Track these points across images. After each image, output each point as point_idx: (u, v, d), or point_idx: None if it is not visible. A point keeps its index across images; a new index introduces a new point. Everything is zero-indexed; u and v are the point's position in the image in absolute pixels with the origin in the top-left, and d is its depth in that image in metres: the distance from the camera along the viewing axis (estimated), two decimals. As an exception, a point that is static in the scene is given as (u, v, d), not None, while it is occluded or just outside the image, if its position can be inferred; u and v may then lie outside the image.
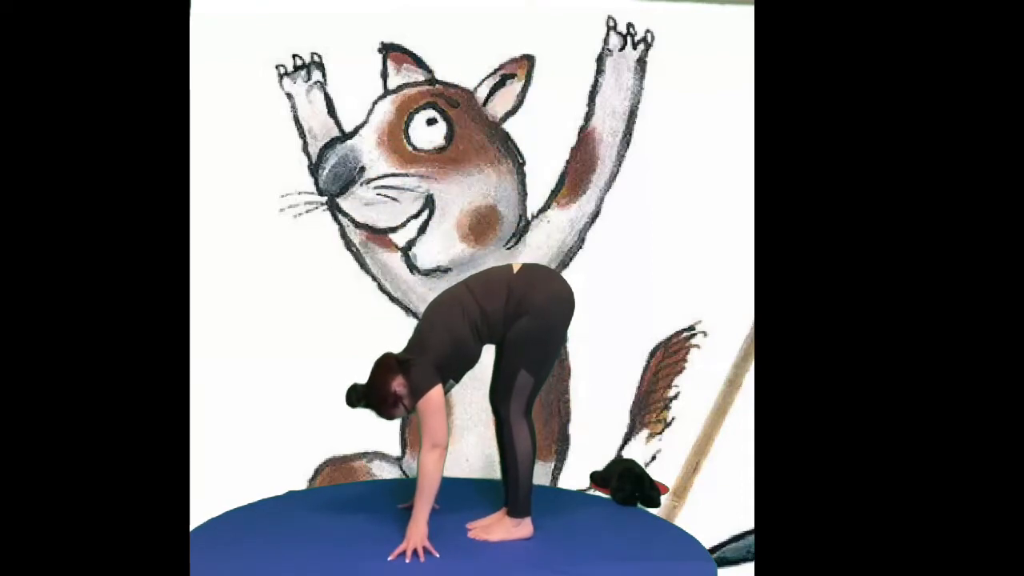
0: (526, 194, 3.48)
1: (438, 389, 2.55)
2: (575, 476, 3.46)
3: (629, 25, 3.42)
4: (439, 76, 3.41)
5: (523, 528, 2.64)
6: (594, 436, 3.53)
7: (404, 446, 3.51)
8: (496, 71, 3.41)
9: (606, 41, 3.43)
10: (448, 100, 3.40)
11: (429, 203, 3.44)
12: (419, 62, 3.40)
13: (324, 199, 3.39)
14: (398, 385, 2.56)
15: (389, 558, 2.48)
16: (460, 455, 3.48)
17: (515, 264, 2.73)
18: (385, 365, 2.58)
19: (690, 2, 3.39)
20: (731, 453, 3.42)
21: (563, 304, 2.66)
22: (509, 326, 2.61)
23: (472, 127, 3.42)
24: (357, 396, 2.61)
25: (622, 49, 3.43)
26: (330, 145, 3.39)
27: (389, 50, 3.39)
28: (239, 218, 3.32)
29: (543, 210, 3.49)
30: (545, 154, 3.45)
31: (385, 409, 2.60)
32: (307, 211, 3.39)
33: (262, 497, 2.96)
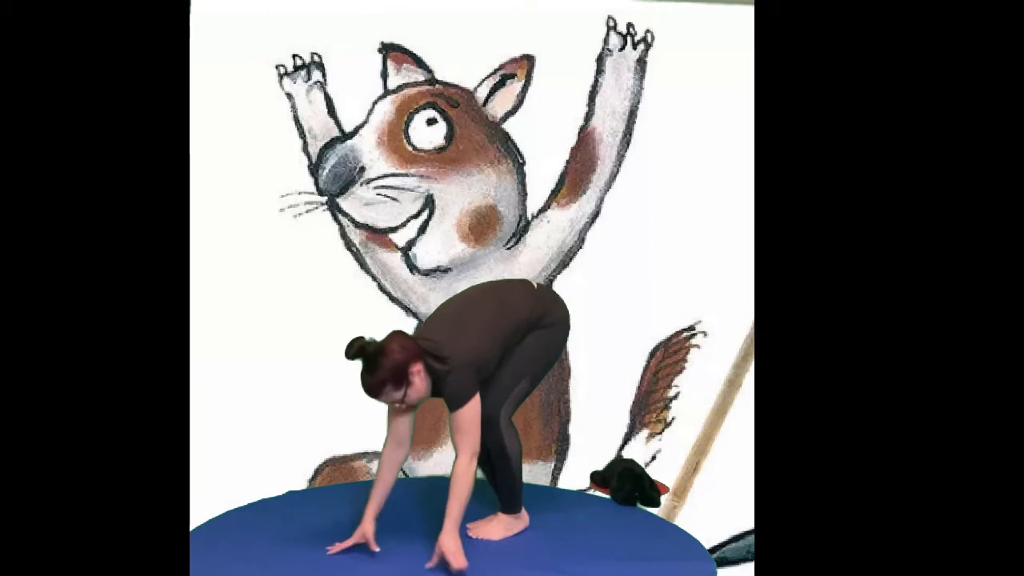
0: (526, 194, 3.48)
1: (477, 398, 2.48)
2: (575, 476, 3.46)
3: (629, 25, 3.42)
4: (439, 76, 3.41)
5: (521, 521, 2.66)
6: (594, 436, 3.53)
7: (404, 446, 3.51)
8: (496, 71, 3.41)
9: (606, 41, 3.43)
10: (448, 100, 3.40)
11: (429, 203, 3.44)
12: (419, 62, 3.40)
13: (324, 199, 3.39)
14: (416, 372, 2.43)
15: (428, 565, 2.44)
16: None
17: (532, 281, 2.80)
18: (410, 347, 2.44)
19: (690, 2, 3.39)
20: (731, 453, 3.42)
21: (569, 322, 2.75)
22: (520, 338, 2.61)
23: (472, 127, 3.42)
24: (361, 352, 2.41)
25: (622, 49, 3.43)
26: (330, 145, 3.39)
27: (389, 50, 3.39)
28: (239, 218, 3.32)
29: (543, 210, 3.49)
30: (545, 154, 3.45)
31: (387, 385, 2.41)
32: (307, 211, 3.39)
33: (262, 497, 2.96)
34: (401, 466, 2.59)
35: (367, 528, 2.50)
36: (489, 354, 2.55)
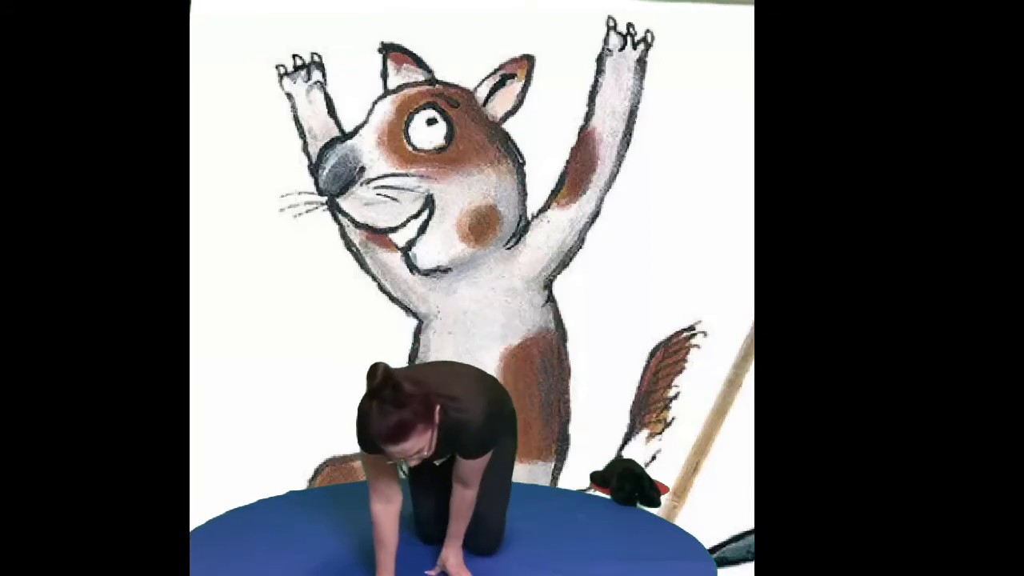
0: (526, 194, 3.48)
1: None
2: (575, 476, 3.46)
3: (629, 25, 3.42)
4: (439, 76, 3.41)
5: None
6: (594, 436, 3.53)
7: (404, 446, 3.51)
8: (496, 71, 3.41)
9: (606, 41, 3.43)
10: (448, 100, 3.40)
11: (429, 203, 3.44)
12: (419, 62, 3.40)
13: (324, 199, 3.39)
14: (438, 414, 2.17)
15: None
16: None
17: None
18: (423, 385, 2.17)
19: (690, 2, 3.39)
20: (731, 453, 3.42)
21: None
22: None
23: (472, 127, 3.42)
24: (386, 381, 2.07)
25: (622, 49, 3.43)
26: (330, 145, 3.39)
27: (389, 50, 3.39)
28: (239, 218, 3.32)
29: (543, 210, 3.49)
30: (545, 154, 3.45)
31: (417, 425, 2.09)
32: (307, 211, 3.39)
33: (262, 497, 2.96)
34: (398, 520, 2.32)
35: None
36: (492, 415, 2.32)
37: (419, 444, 2.08)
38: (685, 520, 3.28)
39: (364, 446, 2.21)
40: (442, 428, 2.15)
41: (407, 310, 3.46)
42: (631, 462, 3.27)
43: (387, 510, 2.26)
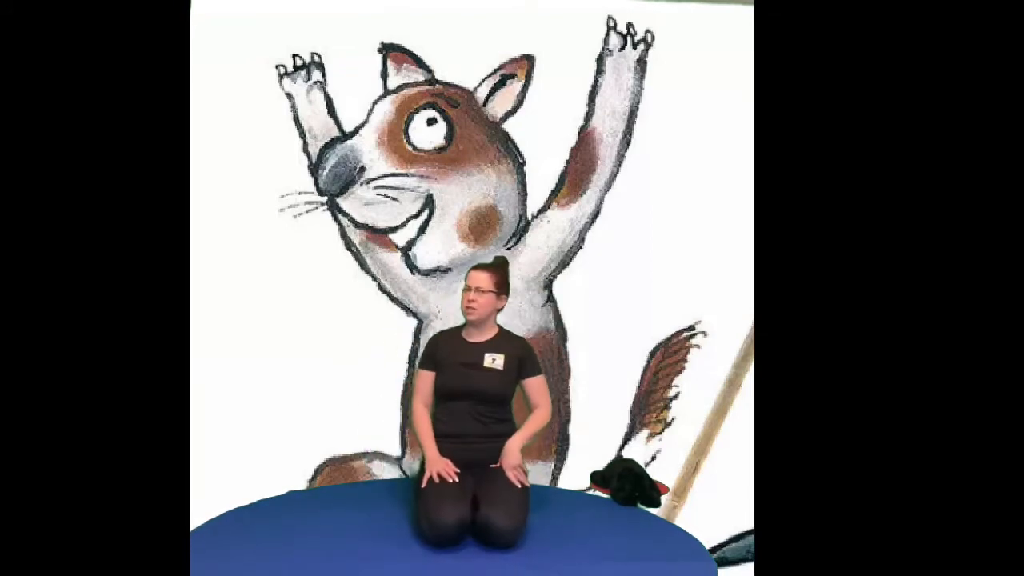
0: (526, 194, 3.48)
1: None
2: (575, 476, 3.46)
3: (629, 25, 3.42)
4: (439, 76, 3.41)
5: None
6: (594, 436, 3.53)
7: (404, 446, 3.51)
8: (496, 71, 3.41)
9: (606, 41, 3.43)
10: (448, 100, 3.40)
11: (429, 203, 3.44)
12: (419, 62, 3.40)
13: (324, 199, 3.39)
14: (502, 300, 3.01)
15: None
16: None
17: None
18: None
19: (690, 2, 3.39)
20: (731, 453, 3.42)
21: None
22: None
23: (472, 127, 3.42)
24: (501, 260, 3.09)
25: (622, 49, 3.43)
26: (330, 145, 3.39)
27: (389, 50, 3.39)
28: (239, 218, 3.32)
29: (543, 210, 3.49)
30: (545, 154, 3.46)
31: (498, 277, 2.97)
32: (307, 211, 3.39)
33: (262, 497, 2.96)
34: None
35: (446, 463, 2.79)
36: None
37: (487, 283, 2.94)
38: (685, 520, 3.28)
39: (423, 364, 3.02)
40: (503, 331, 3.02)
41: (407, 310, 3.46)
42: (631, 462, 3.27)
43: (425, 410, 2.98)
